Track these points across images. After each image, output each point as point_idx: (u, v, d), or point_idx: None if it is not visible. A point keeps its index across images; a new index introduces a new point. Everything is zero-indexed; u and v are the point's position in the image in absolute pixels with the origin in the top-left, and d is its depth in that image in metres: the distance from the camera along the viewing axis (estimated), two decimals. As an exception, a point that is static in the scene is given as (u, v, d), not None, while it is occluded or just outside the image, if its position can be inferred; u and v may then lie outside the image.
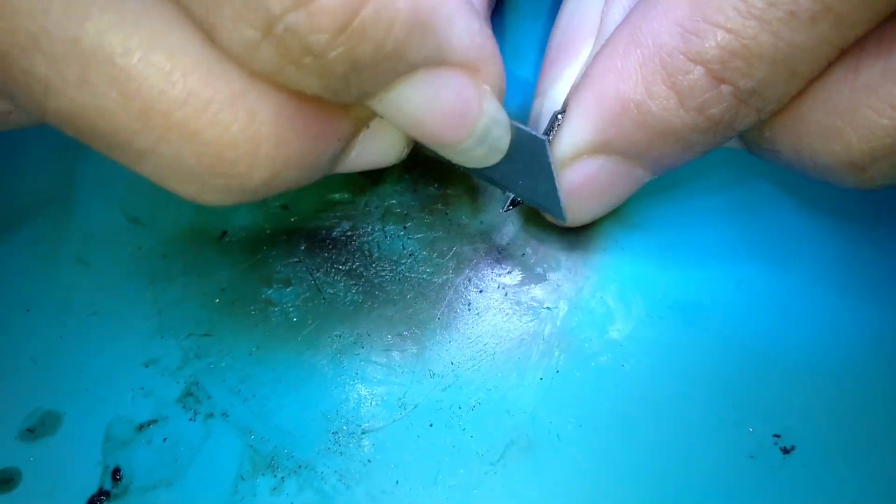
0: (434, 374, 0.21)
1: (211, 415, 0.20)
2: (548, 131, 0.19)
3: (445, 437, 0.20)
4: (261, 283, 0.23)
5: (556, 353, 0.21)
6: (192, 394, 0.21)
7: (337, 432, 0.20)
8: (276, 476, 0.19)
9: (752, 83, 0.16)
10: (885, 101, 0.15)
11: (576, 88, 0.19)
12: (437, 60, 0.15)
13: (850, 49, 0.16)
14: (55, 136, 0.22)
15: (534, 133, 0.18)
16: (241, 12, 0.13)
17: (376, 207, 0.24)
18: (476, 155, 0.18)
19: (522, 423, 0.20)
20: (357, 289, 0.22)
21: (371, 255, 0.23)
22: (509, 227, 0.23)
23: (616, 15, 0.20)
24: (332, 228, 0.24)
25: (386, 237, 0.23)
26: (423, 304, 0.22)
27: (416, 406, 0.20)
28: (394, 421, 0.20)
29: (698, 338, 0.21)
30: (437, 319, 0.22)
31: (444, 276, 0.23)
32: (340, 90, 0.15)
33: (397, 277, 0.23)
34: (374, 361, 0.21)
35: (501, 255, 0.23)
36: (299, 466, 0.20)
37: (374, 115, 0.18)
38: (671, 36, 0.16)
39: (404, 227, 0.24)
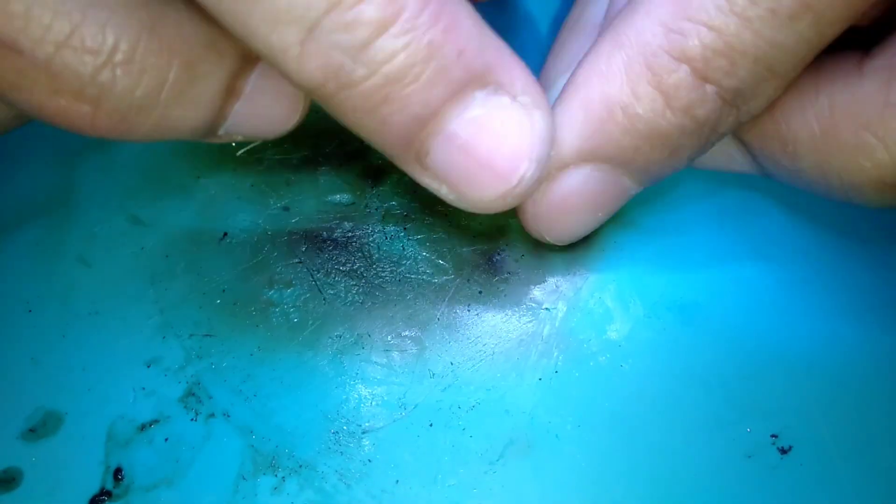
0: (434, 375, 0.21)
1: (212, 415, 0.21)
2: None
3: (445, 437, 0.20)
4: (262, 284, 0.23)
5: (555, 354, 0.21)
6: (193, 394, 0.21)
7: (337, 432, 0.20)
8: (276, 476, 0.20)
9: (735, 82, 0.16)
10: None
11: (560, 95, 0.19)
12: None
13: (881, 63, 0.16)
14: (56, 136, 0.22)
15: None
16: None
17: (377, 209, 0.24)
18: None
19: (521, 423, 0.20)
20: (357, 289, 0.23)
21: (371, 256, 0.23)
22: (509, 228, 0.24)
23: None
24: (332, 229, 0.24)
25: (386, 238, 0.24)
26: (423, 305, 0.22)
27: (416, 406, 0.21)
28: (394, 421, 0.20)
29: (696, 338, 0.22)
30: (436, 320, 0.22)
31: (444, 277, 0.23)
32: None
33: (397, 278, 0.23)
34: (375, 362, 0.21)
35: (501, 255, 0.23)
36: (300, 466, 0.20)
37: (254, 67, 0.17)
38: (655, 35, 0.16)
39: (404, 229, 0.24)
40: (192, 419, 0.20)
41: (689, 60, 0.16)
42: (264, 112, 0.18)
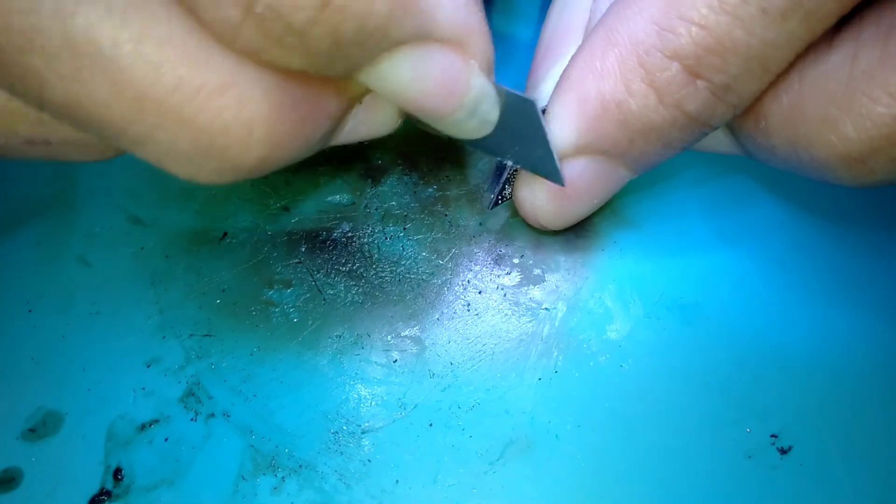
0: (434, 374, 0.21)
1: (212, 415, 0.21)
2: None
3: (445, 437, 0.20)
4: (262, 284, 0.23)
5: (555, 354, 0.21)
6: (193, 394, 0.21)
7: (337, 432, 0.20)
8: (276, 476, 0.20)
9: (726, 79, 0.16)
10: (882, 89, 0.15)
11: (555, 92, 0.19)
12: (423, 36, 0.15)
13: (849, 36, 0.16)
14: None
15: (522, 95, 0.18)
16: None
17: (376, 209, 0.24)
18: (468, 127, 0.18)
19: (521, 423, 0.20)
20: (357, 289, 0.23)
21: (371, 257, 0.23)
22: (508, 229, 0.24)
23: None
24: (332, 230, 0.24)
25: (386, 238, 0.24)
26: (422, 305, 0.22)
27: (415, 406, 0.21)
28: (394, 421, 0.20)
29: (696, 338, 0.22)
30: (436, 320, 0.22)
31: (444, 277, 0.23)
32: (326, 66, 0.15)
33: (397, 278, 0.23)
34: (374, 362, 0.21)
35: (500, 256, 0.23)
36: (300, 466, 0.20)
37: (367, 90, 0.18)
38: (647, 34, 0.17)
39: (404, 229, 0.24)
40: (192, 419, 0.20)
41: (680, 58, 0.16)
42: (378, 116, 0.19)
